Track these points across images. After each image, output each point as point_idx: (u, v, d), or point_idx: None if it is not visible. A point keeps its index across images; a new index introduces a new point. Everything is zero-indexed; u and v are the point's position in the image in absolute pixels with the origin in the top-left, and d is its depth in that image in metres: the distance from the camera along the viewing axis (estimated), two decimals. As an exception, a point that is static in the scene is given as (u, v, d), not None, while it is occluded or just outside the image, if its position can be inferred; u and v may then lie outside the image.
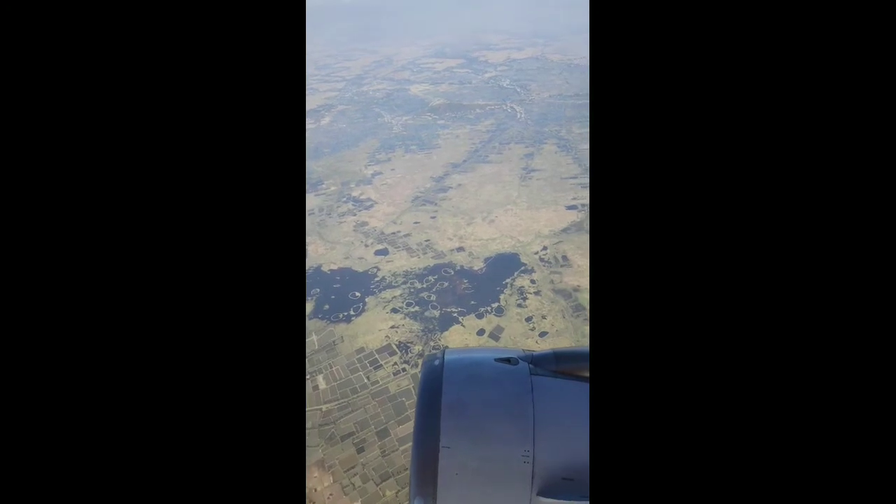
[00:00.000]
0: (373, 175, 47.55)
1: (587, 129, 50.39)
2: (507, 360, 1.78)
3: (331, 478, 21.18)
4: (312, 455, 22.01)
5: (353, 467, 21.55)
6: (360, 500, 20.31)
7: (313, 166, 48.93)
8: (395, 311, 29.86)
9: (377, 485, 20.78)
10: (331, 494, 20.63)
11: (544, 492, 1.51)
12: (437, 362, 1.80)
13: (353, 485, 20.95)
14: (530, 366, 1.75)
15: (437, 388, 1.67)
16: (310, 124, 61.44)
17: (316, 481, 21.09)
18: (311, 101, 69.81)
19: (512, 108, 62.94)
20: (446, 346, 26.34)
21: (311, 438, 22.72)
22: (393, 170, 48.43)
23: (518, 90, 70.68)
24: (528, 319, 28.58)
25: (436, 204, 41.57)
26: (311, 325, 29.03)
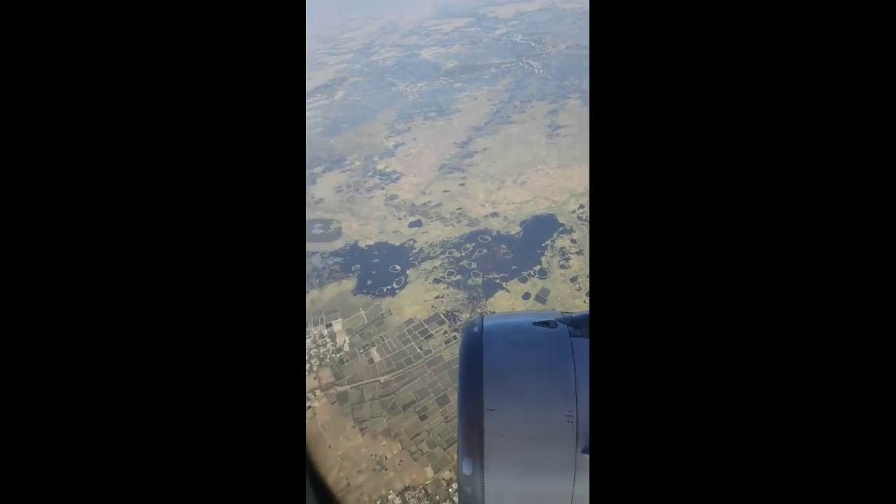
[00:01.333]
0: (395, 146, 46.92)
1: (610, 80, 48.27)
2: (546, 324, 1.78)
3: (399, 445, 21.94)
4: (377, 425, 22.77)
5: (418, 434, 22.25)
6: (429, 464, 21.05)
7: (334, 143, 48.50)
8: (437, 281, 30.01)
9: (444, 449, 21.46)
10: (401, 461, 21.42)
11: (588, 449, 1.52)
12: (476, 329, 1.80)
13: (421, 451, 21.68)
14: (569, 328, 1.76)
15: (477, 354, 1.69)
16: (323, 100, 60.57)
17: (385, 449, 21.89)
18: (321, 76, 68.55)
19: (528, 64, 60.78)
20: (489, 312, 26.53)
21: (374, 409, 23.46)
22: (415, 139, 47.69)
23: (532, 45, 68.04)
24: (573, 280, 28.43)
25: (463, 170, 40.97)
26: (356, 300, 29.47)
